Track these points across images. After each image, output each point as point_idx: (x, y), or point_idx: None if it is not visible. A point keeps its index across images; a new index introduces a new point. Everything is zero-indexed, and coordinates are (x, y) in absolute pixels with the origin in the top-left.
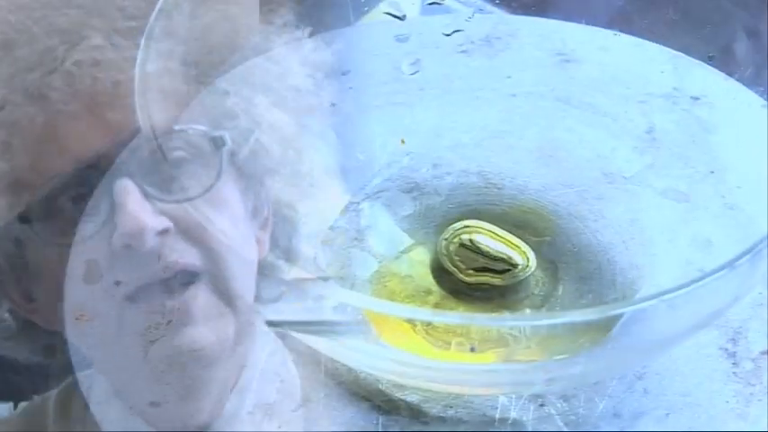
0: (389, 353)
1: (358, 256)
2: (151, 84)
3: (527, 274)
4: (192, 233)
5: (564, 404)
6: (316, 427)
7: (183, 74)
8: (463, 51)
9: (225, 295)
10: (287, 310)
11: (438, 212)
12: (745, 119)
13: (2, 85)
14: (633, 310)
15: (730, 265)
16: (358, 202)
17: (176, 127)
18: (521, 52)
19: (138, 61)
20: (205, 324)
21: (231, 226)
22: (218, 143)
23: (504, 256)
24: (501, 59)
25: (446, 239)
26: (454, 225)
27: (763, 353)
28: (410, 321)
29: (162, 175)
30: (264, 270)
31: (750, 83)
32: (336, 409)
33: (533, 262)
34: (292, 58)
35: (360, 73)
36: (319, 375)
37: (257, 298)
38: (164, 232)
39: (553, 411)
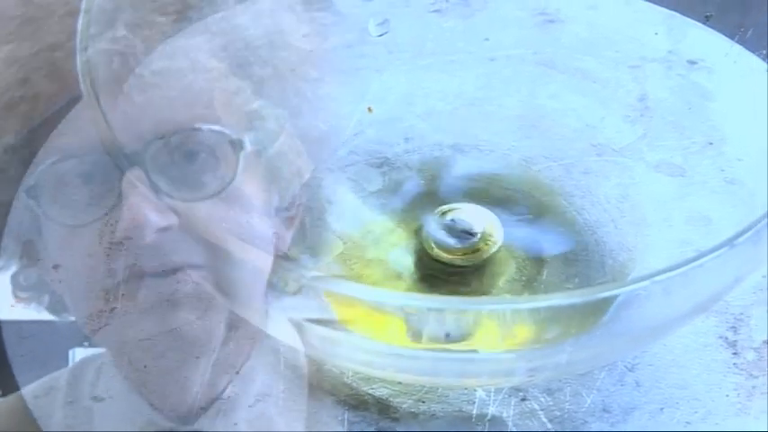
0: (355, 340)
1: (321, 237)
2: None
3: (491, 250)
4: (198, 230)
5: (548, 398)
6: (275, 424)
7: (129, 35)
8: (436, 11)
9: (221, 289)
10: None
11: (409, 188)
12: (746, 85)
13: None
14: (622, 293)
15: (730, 243)
16: (321, 177)
17: (195, 125)
18: (500, 12)
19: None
20: (191, 311)
21: (245, 224)
22: (236, 146)
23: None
24: (478, 20)
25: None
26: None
27: (766, 342)
28: (379, 307)
29: (179, 169)
30: (286, 264)
31: (752, 46)
32: (297, 404)
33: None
34: (248, 19)
35: (322, 34)
36: (278, 367)
37: (276, 290)
38: (166, 229)
39: (536, 406)
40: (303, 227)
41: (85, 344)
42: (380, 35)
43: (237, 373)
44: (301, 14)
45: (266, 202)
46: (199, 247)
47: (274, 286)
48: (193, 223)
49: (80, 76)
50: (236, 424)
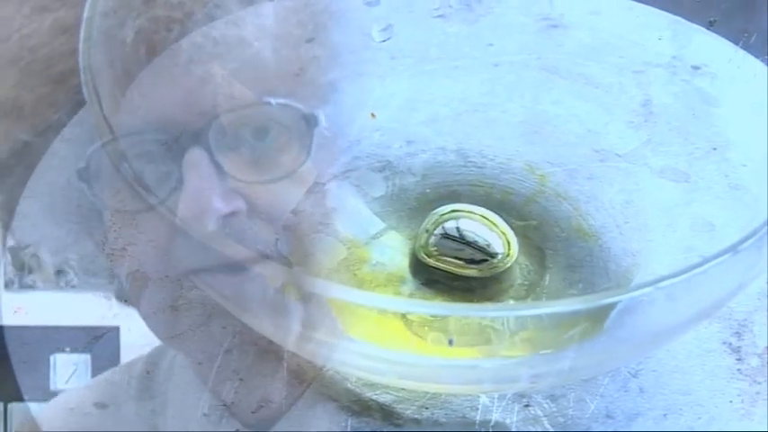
0: (359, 347)
1: (324, 242)
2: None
3: (506, 266)
4: (268, 214)
5: (551, 405)
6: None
7: (133, 40)
8: (440, 16)
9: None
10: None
11: (412, 194)
12: (750, 90)
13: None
14: (626, 298)
15: (733, 249)
16: (324, 183)
17: (264, 99)
18: (504, 17)
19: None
20: (262, 310)
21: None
22: (310, 122)
23: (485, 245)
24: (482, 25)
25: (427, 230)
26: (439, 209)
27: None
28: (382, 314)
29: (246, 149)
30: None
31: (756, 51)
32: (300, 409)
33: (515, 251)
34: (252, 24)
35: (326, 40)
36: (281, 373)
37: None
38: (231, 216)
39: (540, 413)
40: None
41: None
42: (384, 41)
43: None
44: (306, 21)
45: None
46: (269, 233)
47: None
48: (263, 208)
49: (82, 61)
50: (238, 430)
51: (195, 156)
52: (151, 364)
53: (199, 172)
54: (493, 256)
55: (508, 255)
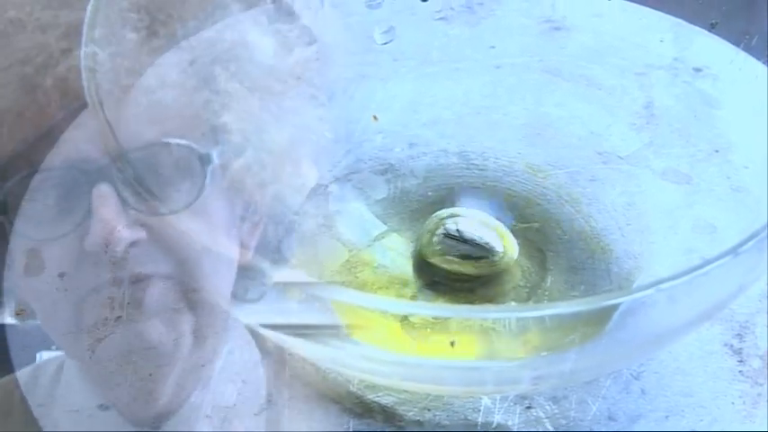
0: (361, 349)
1: (326, 245)
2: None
3: (507, 263)
4: (165, 243)
5: (553, 406)
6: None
7: (135, 42)
8: (442, 18)
9: (186, 294)
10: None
11: (414, 196)
12: (751, 92)
13: None
14: (628, 300)
15: (734, 251)
16: (326, 185)
17: (164, 140)
18: (505, 19)
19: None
20: (157, 318)
21: (210, 234)
22: (204, 161)
23: (483, 243)
24: (484, 27)
25: (430, 231)
26: (439, 213)
27: None
28: (383, 315)
29: (147, 184)
30: (248, 273)
31: (757, 53)
32: (303, 412)
33: (514, 249)
34: (253, 27)
35: (328, 43)
36: (284, 375)
37: (238, 298)
38: (135, 243)
39: (542, 414)
40: (266, 235)
41: (53, 347)
42: (386, 43)
43: (200, 381)
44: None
45: (231, 214)
46: (167, 259)
47: (234, 294)
48: (162, 237)
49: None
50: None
51: (103, 190)
52: (38, 370)
53: (106, 204)
54: (493, 253)
55: (507, 252)
